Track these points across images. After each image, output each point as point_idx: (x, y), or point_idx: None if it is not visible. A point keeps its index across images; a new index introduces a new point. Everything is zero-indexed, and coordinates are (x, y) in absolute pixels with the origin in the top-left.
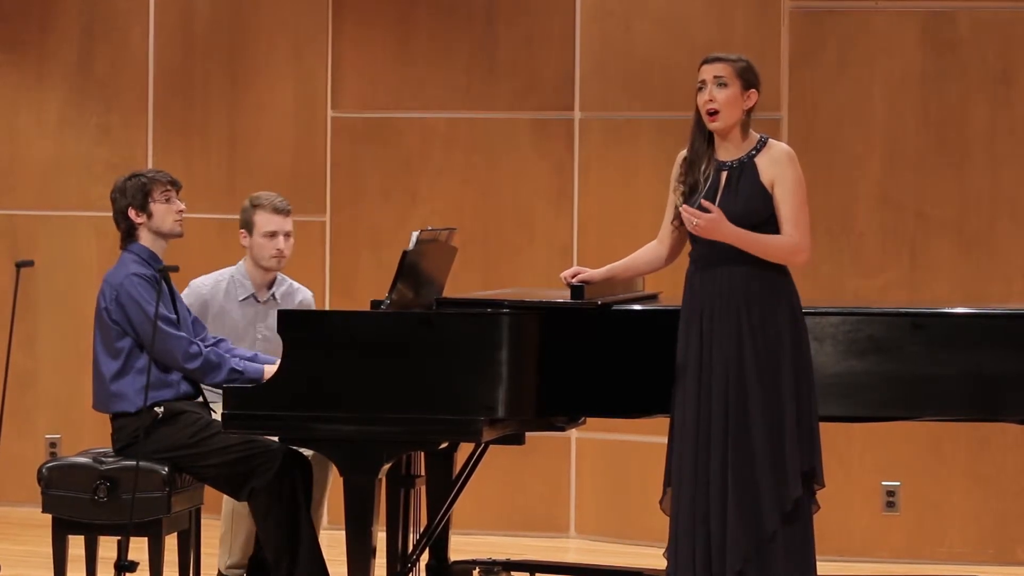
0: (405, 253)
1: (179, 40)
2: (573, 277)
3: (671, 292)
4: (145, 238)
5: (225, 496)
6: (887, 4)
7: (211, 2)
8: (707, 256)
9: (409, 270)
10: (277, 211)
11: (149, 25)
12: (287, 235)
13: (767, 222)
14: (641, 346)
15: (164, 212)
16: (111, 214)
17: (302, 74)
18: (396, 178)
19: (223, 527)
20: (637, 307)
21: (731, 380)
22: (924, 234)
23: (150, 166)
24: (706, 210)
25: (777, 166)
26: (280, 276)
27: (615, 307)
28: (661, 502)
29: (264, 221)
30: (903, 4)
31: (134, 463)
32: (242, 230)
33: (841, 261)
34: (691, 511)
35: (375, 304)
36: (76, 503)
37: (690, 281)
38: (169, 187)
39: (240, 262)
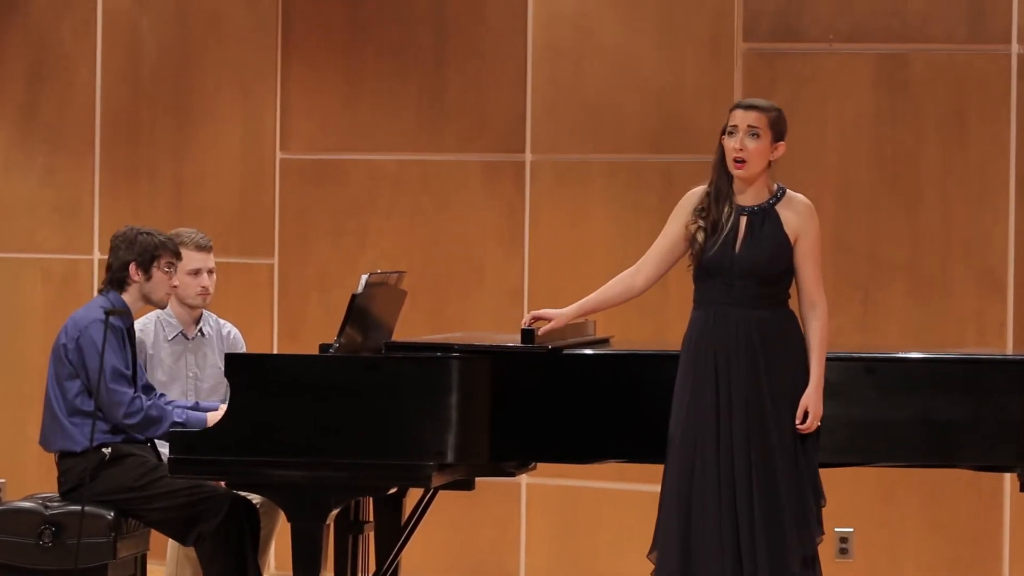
0: (354, 296)
1: (126, 82)
2: (535, 322)
3: (623, 336)
4: (130, 294)
5: None
6: (840, 46)
7: (158, 44)
8: (719, 300)
9: (358, 314)
10: (200, 248)
11: (96, 67)
12: (210, 272)
13: (785, 271)
14: (593, 391)
15: (161, 281)
16: (59, 256)
17: (250, 115)
18: (345, 220)
19: (168, 568)
20: (588, 351)
21: (751, 421)
22: (876, 277)
23: (96, 208)
24: (805, 416)
25: (801, 220)
26: (205, 313)
27: (565, 351)
28: (649, 555)
29: (187, 259)
30: (856, 46)
31: (80, 507)
32: None
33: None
34: (719, 553)
35: (323, 348)
36: (21, 548)
37: (699, 323)
38: (174, 259)
39: None
